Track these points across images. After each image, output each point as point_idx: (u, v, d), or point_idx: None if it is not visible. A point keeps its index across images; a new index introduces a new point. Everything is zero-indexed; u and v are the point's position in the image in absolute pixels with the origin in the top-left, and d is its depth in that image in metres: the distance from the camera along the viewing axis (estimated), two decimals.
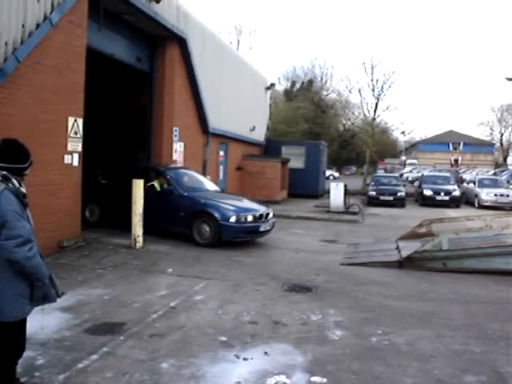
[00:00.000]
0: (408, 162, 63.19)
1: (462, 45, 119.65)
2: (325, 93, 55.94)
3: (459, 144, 73.71)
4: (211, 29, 18.25)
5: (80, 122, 9.88)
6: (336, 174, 52.81)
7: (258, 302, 6.80)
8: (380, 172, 44.21)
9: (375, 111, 39.65)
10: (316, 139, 36.21)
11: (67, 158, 9.55)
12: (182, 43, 14.53)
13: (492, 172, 42.80)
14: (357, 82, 41.01)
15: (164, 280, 7.71)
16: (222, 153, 19.59)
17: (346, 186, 19.84)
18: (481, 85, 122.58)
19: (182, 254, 9.77)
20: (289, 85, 56.74)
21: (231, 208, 10.95)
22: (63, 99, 9.31)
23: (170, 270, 8.39)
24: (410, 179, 42.92)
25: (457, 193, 24.85)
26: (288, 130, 40.76)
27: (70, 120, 9.56)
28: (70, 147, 9.60)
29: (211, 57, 17.14)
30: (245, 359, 4.82)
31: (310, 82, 56.27)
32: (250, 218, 10.91)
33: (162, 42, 14.42)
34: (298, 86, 56.10)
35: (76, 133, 9.77)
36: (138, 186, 9.98)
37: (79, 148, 9.88)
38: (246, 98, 22.15)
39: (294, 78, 57.26)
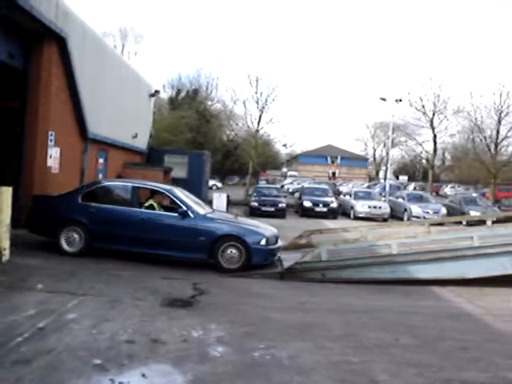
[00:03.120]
0: (289, 173, 65.38)
1: (341, 65, 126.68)
2: (210, 103, 56.16)
3: (337, 158, 77.74)
4: (94, 30, 17.42)
5: None
6: (219, 184, 53.05)
7: (136, 318, 6.43)
8: (262, 183, 45.14)
9: (259, 123, 40.56)
10: (200, 149, 36.14)
11: None
12: (61, 42, 13.63)
13: (366, 185, 45.57)
14: (242, 93, 41.68)
15: (33, 298, 7.03)
16: (101, 160, 18.71)
17: (228, 196, 19.95)
18: (358, 103, 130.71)
19: (54, 268, 9.05)
20: (174, 93, 56.18)
21: (259, 231, 10.51)
22: None
23: (40, 285, 7.70)
24: (290, 190, 44.29)
25: (334, 204, 25.99)
26: (172, 139, 40.22)
27: None
28: None
29: (93, 59, 16.33)
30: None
31: (196, 91, 56.18)
32: (273, 240, 10.54)
33: (39, 39, 13.41)
34: (183, 94, 55.72)
35: None
36: (6, 194, 9.12)
37: None
38: (128, 103, 21.43)
39: (180, 86, 56.84)
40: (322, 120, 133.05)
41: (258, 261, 10.17)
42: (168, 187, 11.38)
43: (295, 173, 66.89)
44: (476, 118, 39.56)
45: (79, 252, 10.29)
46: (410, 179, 64.01)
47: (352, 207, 26.33)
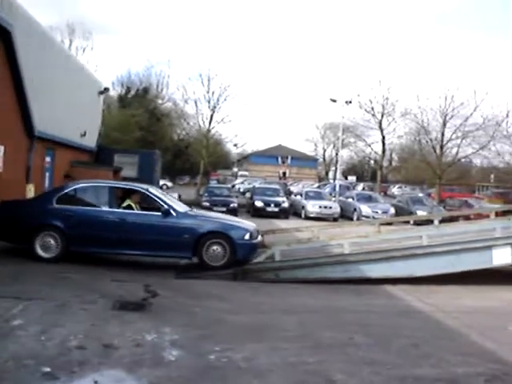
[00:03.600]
0: (240, 173, 65.36)
1: (292, 65, 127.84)
2: (160, 101, 55.38)
3: (287, 158, 78.38)
4: (41, 23, 16.82)
5: None
6: (170, 184, 52.41)
7: (87, 323, 6.20)
8: (213, 183, 44.95)
9: (210, 123, 40.26)
10: (150, 148, 35.54)
11: None
12: (4, 34, 13.06)
13: (316, 185, 46.12)
14: (193, 92, 41.22)
15: None
16: (48, 159, 18.08)
17: (180, 196, 19.70)
18: (308, 104, 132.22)
19: None
20: (123, 91, 55.08)
21: (243, 226, 10.38)
22: None
23: None
24: (241, 190, 44.31)
25: (286, 204, 26.17)
26: (121, 138, 39.41)
27: None
28: None
29: (39, 54, 15.75)
30: None
31: (146, 89, 55.25)
32: (256, 235, 10.42)
33: None
34: (132, 92, 54.70)
35: None
36: None
37: None
38: (77, 101, 20.82)
39: (129, 83, 55.74)
40: (273, 120, 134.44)
41: (243, 256, 10.08)
42: (145, 186, 11.15)
43: (246, 172, 66.92)
44: (422, 121, 40.68)
45: (55, 257, 9.89)
46: (359, 179, 65.33)
47: (303, 207, 26.57)
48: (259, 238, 10.71)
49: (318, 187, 41.88)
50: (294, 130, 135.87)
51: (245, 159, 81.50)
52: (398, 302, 8.57)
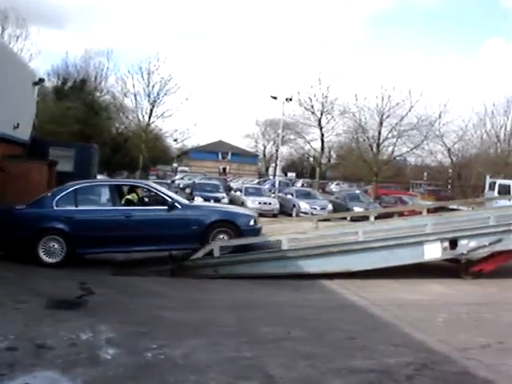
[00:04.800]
0: (180, 168, 64.76)
1: (232, 61, 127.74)
2: (98, 94, 53.92)
3: (227, 154, 78.35)
4: None
5: None
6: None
7: (19, 323, 5.98)
8: (152, 178, 44.34)
9: (150, 117, 39.70)
10: (88, 142, 34.58)
11: None
12: None
13: (256, 181, 46.39)
14: (133, 86, 40.49)
15: None
16: None
17: None
18: (249, 100, 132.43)
19: None
20: (59, 82, 53.21)
21: (246, 212, 10.85)
22: None
23: None
24: (181, 186, 43.92)
25: (225, 200, 26.20)
26: (57, 131, 38.04)
27: None
28: None
29: None
30: None
31: (83, 81, 53.55)
32: (257, 220, 10.83)
33: None
34: (69, 84, 52.93)
35: None
36: None
37: None
38: (9, 91, 19.93)
39: (66, 75, 53.87)
40: (214, 116, 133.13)
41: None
42: (145, 181, 11.32)
43: (186, 168, 66.39)
44: (360, 119, 41.90)
45: (60, 262, 9.63)
46: (299, 176, 66.29)
47: (243, 203, 26.62)
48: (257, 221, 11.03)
49: (258, 183, 42.16)
50: (234, 126, 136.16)
51: (185, 154, 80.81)
52: (335, 297, 8.77)
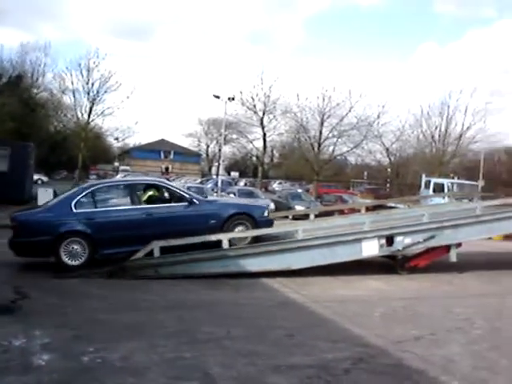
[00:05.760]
0: (121, 168, 63.54)
1: (176, 59, 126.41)
2: (35, 91, 52.07)
3: (170, 153, 77.57)
4: None
5: None
6: (45, 179, 49.45)
7: None
8: (93, 178, 43.32)
9: (89, 115, 38.75)
10: (24, 140, 33.34)
11: None
12: None
13: (199, 181, 46.19)
14: (71, 82, 39.26)
15: None
16: None
17: (55, 191, 18.78)
18: (191, 98, 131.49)
19: None
20: None
21: (260, 204, 11.19)
22: None
23: None
24: None
25: None
26: None
27: None
28: None
29: None
30: None
31: (19, 76, 51.54)
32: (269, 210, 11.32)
33: None
34: (4, 79, 50.81)
35: None
36: None
37: None
38: None
39: (0, 70, 51.70)
40: (156, 114, 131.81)
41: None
42: (160, 179, 11.80)
43: (128, 167, 65.16)
44: (302, 119, 42.51)
45: (83, 264, 9.50)
46: (241, 175, 66.52)
47: None
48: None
49: (201, 182, 41.99)
50: (177, 125, 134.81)
51: (126, 153, 79.38)
52: (275, 295, 8.85)
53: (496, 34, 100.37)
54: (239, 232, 10.46)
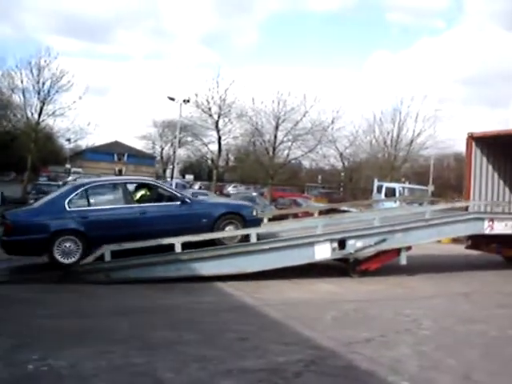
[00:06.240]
0: (73, 170, 62.14)
1: (130, 60, 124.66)
2: None
3: (124, 155, 76.33)
4: None
5: None
6: None
7: None
8: (43, 180, 42.16)
9: (40, 115, 37.67)
10: None
11: None
12: None
13: None
14: (21, 81, 37.99)
15: None
16: None
17: (2, 193, 18.21)
18: (145, 100, 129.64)
19: None
20: None
21: (247, 204, 11.75)
22: None
23: None
24: None
25: None
26: None
27: None
28: None
29: None
30: None
31: None
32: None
33: None
34: None
35: None
36: None
37: None
38: None
39: None
40: (110, 116, 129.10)
41: None
42: (152, 179, 12.00)
43: (80, 169, 63.70)
44: (257, 123, 42.58)
45: (78, 261, 9.39)
46: (196, 178, 66.15)
47: None
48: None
49: None
50: (131, 127, 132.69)
51: (79, 155, 77.58)
52: (228, 298, 8.81)
53: (445, 43, 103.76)
54: (190, 236, 10.29)
